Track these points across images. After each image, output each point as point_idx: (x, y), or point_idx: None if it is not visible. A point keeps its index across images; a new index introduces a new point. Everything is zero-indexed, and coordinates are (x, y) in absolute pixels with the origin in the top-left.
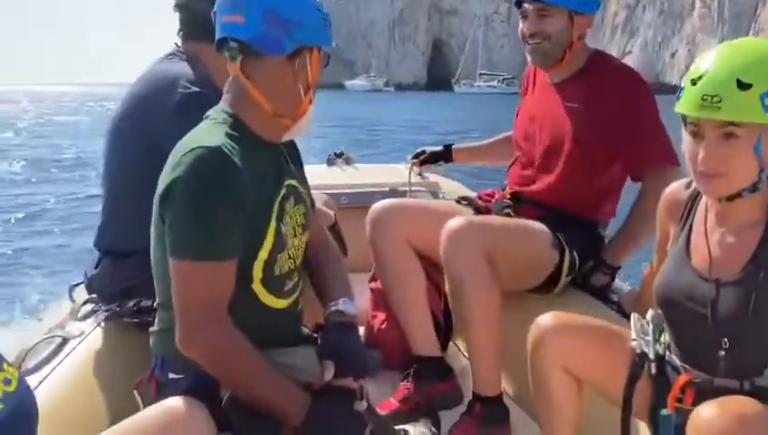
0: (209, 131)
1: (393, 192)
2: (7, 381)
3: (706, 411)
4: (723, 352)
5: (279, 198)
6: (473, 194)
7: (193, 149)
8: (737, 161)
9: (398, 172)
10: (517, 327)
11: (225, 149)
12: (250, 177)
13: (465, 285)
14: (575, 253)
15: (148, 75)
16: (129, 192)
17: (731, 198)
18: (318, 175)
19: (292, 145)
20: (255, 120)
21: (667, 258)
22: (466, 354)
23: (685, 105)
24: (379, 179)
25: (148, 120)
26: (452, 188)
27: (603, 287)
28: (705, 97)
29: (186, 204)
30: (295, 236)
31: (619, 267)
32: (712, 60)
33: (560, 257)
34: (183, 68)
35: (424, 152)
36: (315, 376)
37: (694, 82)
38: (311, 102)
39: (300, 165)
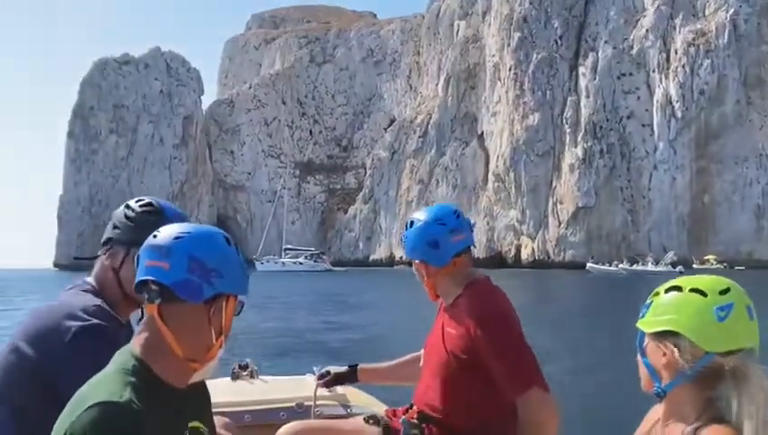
0: (113, 381)
1: (299, 407)
2: None
3: None
4: None
5: None
6: (382, 408)
7: (94, 405)
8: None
9: (306, 384)
10: None
11: (132, 405)
12: (153, 428)
13: None
14: None
15: (45, 307)
16: None
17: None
18: (221, 391)
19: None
20: (165, 365)
21: None
22: None
23: None
24: (285, 394)
25: (40, 355)
26: (361, 400)
27: None
28: None
29: None
30: None
31: None
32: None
33: None
34: (82, 300)
35: (329, 373)
36: None
37: None
38: (221, 347)
39: (206, 399)
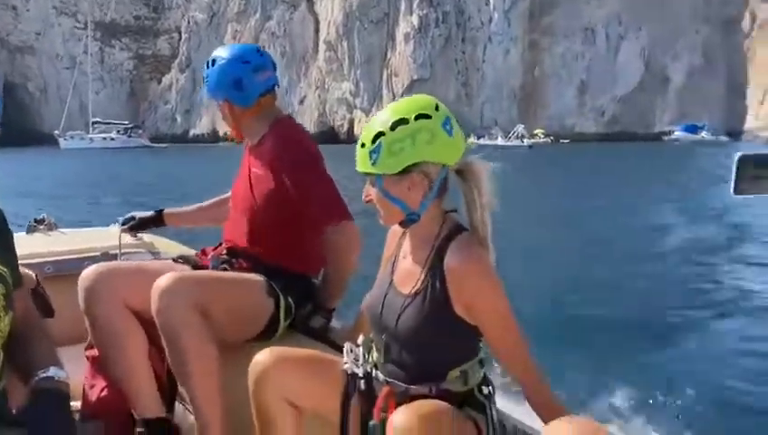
0: None
1: (105, 256)
2: None
3: (397, 416)
4: (410, 361)
5: None
6: (192, 252)
7: None
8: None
9: (111, 235)
10: (244, 377)
11: None
12: None
13: (179, 339)
14: (290, 299)
15: None
16: None
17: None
18: (15, 244)
19: None
20: None
21: (377, 280)
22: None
23: None
24: (89, 244)
25: None
26: (170, 247)
27: (322, 329)
28: None
29: None
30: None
31: (334, 309)
32: None
33: (276, 304)
34: None
35: (134, 218)
36: None
37: None
38: None
39: (3, 242)
